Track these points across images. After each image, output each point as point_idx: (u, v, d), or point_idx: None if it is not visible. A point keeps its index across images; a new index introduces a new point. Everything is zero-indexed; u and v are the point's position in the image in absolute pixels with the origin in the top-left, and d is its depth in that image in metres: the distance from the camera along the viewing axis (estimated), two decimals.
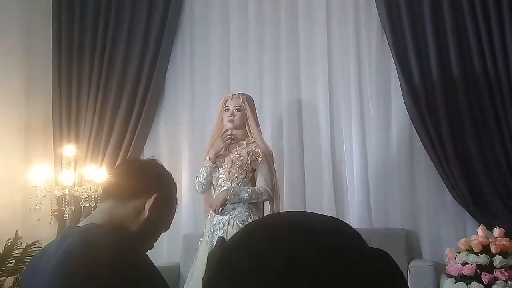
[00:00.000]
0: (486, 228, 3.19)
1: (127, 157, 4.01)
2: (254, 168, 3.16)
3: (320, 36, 3.92)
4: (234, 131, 3.19)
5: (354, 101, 3.82)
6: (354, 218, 3.73)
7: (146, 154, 4.05)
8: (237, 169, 3.12)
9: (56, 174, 3.83)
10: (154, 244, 1.47)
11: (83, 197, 3.64)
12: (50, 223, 3.80)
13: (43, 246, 1.51)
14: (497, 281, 2.97)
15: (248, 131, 3.22)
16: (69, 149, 3.71)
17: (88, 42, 4.22)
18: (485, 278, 2.97)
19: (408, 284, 3.27)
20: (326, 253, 0.54)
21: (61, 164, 3.76)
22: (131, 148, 4.07)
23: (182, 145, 4.14)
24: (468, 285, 3.00)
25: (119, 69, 4.14)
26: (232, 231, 2.99)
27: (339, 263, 0.53)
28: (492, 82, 3.44)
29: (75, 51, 4.25)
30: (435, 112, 3.53)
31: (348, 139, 3.84)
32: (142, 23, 4.13)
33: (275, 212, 3.16)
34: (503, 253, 3.04)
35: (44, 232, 3.67)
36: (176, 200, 1.52)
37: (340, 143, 3.86)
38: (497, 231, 3.15)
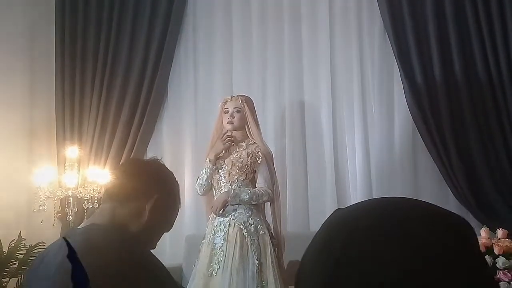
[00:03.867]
0: (489, 229, 3.18)
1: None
2: (254, 169, 3.15)
3: (323, 37, 3.92)
4: (234, 133, 3.18)
5: (356, 102, 3.82)
6: None
7: (149, 156, 4.05)
8: (237, 170, 3.11)
9: (59, 176, 3.83)
10: (157, 244, 1.47)
11: (86, 198, 3.64)
12: (53, 225, 3.80)
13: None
14: (500, 282, 2.96)
15: (248, 133, 3.21)
16: (72, 151, 3.71)
17: (91, 44, 4.24)
18: None
19: None
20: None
21: (65, 166, 3.76)
22: (134, 150, 4.07)
23: (185, 147, 4.14)
24: None
25: (122, 70, 4.15)
26: (233, 232, 2.98)
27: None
28: (495, 83, 3.44)
29: (78, 53, 4.26)
30: (437, 113, 3.52)
31: (350, 140, 3.83)
32: (145, 26, 4.14)
33: (276, 213, 3.15)
34: (506, 254, 3.03)
35: (48, 233, 3.68)
36: (179, 199, 1.51)
37: (343, 144, 3.86)
38: (500, 232, 3.14)
